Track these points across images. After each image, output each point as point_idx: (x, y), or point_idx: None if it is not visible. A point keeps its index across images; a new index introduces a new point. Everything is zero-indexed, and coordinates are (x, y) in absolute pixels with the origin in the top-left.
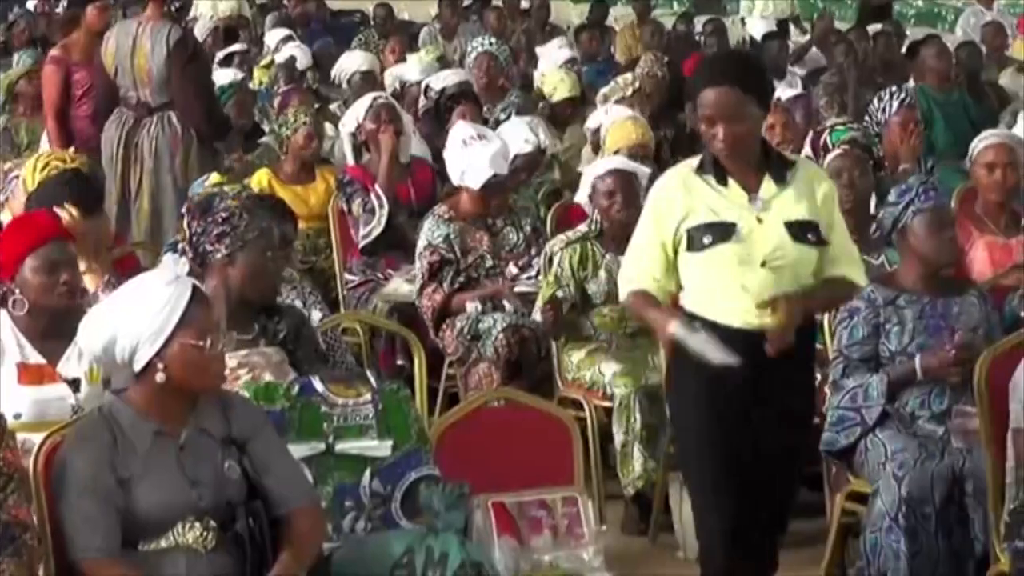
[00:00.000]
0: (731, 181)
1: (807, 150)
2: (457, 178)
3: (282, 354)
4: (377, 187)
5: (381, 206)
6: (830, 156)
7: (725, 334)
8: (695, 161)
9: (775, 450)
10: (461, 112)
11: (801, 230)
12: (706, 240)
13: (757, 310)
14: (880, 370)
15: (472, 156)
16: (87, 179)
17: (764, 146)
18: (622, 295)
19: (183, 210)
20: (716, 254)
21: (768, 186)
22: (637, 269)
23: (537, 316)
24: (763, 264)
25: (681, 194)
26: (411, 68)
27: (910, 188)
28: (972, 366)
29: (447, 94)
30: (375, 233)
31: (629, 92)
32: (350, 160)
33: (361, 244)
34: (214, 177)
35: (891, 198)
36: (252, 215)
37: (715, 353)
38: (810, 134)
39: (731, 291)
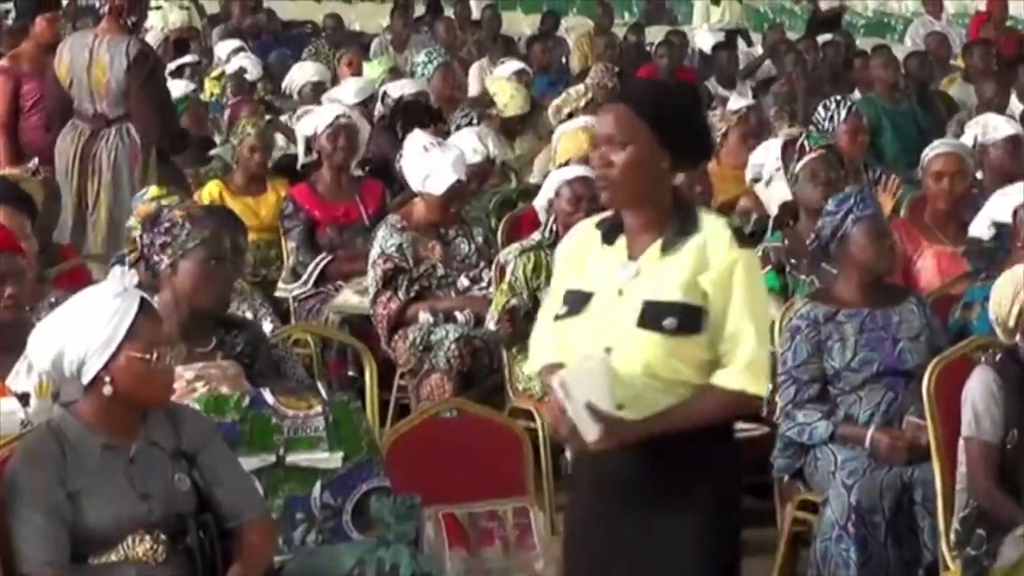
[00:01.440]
0: (620, 240)
1: (774, 155)
2: (419, 184)
3: (238, 367)
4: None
5: (313, 262)
6: (807, 158)
7: None
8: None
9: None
10: (435, 131)
11: (656, 313)
12: (561, 311)
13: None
14: (830, 418)
15: (434, 162)
16: None
17: (679, 204)
18: (534, 366)
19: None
20: (566, 328)
21: (653, 252)
22: (544, 337)
23: (491, 326)
24: (608, 350)
25: (574, 249)
26: (347, 91)
27: (848, 197)
28: (920, 453)
29: (403, 103)
30: (295, 293)
31: (582, 104)
32: (300, 154)
33: (292, 294)
34: (152, 190)
35: (829, 207)
36: (194, 224)
37: (583, 425)
38: (779, 141)
39: None
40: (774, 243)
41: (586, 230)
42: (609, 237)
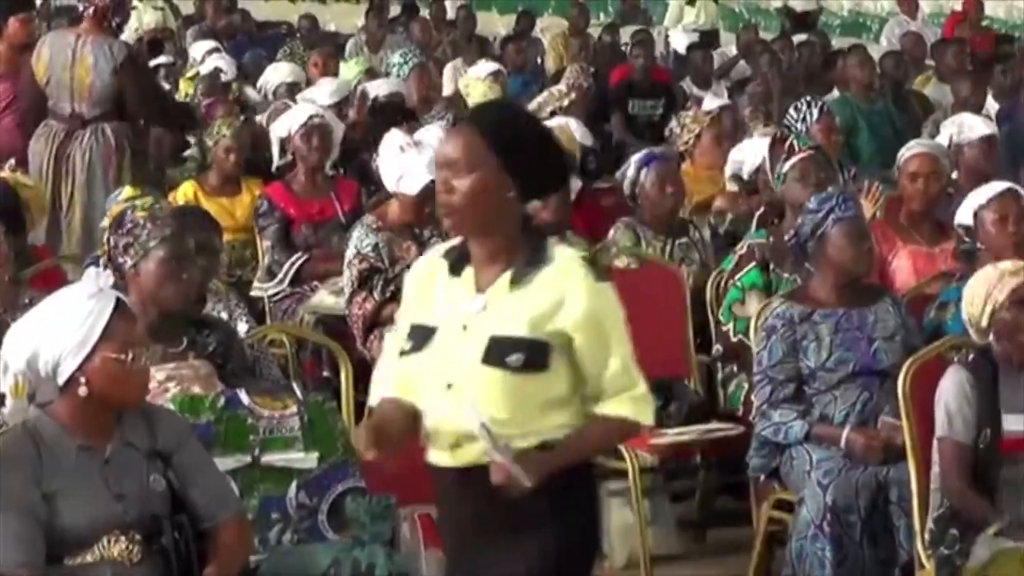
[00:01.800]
0: (467, 271)
1: (761, 155)
2: (393, 184)
3: (210, 367)
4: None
5: (288, 261)
6: (796, 158)
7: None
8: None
9: None
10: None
11: (502, 349)
12: (406, 346)
13: (449, 448)
14: (806, 417)
15: (409, 162)
16: None
17: (529, 234)
18: (372, 401)
19: (102, 224)
20: (411, 365)
21: (501, 284)
22: (386, 373)
23: None
24: (449, 386)
25: (421, 281)
26: (322, 91)
27: (830, 197)
28: (895, 453)
29: (377, 103)
30: (270, 293)
31: (565, 103)
32: (275, 155)
33: (268, 293)
34: (127, 191)
35: (811, 206)
36: (156, 224)
37: (514, 468)
38: (767, 140)
39: (427, 416)
40: (759, 240)
41: (433, 260)
42: (456, 268)
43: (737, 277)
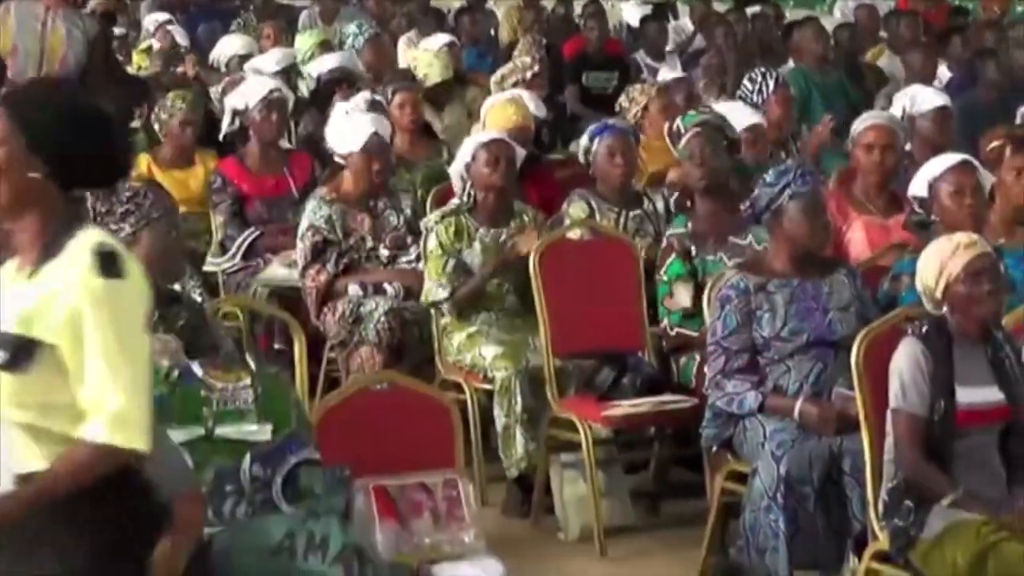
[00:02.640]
0: (14, 257)
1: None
2: (340, 146)
3: (179, 342)
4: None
5: (241, 236)
6: (684, 139)
7: None
8: None
9: None
10: (343, 95)
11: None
12: None
13: None
14: (759, 388)
15: (353, 121)
16: None
17: (68, 222)
18: None
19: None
20: None
21: (22, 274)
22: None
23: (442, 293)
24: None
25: None
26: (268, 60)
27: (788, 171)
28: (849, 424)
29: (322, 82)
30: (223, 267)
31: (528, 75)
32: (224, 125)
33: (221, 268)
34: None
35: (768, 179)
36: (156, 195)
37: None
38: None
39: None
40: (677, 230)
41: None
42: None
43: (662, 271)
